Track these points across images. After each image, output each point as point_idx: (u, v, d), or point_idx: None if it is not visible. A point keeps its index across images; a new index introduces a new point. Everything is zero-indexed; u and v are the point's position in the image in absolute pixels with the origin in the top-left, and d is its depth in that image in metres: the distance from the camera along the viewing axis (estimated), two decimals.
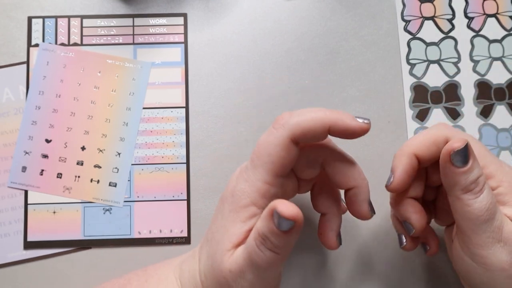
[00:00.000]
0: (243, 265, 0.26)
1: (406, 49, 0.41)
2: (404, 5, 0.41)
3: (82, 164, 0.38)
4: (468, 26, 0.41)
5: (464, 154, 0.27)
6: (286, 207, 0.24)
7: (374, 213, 0.30)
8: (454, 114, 0.40)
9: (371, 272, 0.37)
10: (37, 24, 0.40)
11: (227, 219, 0.28)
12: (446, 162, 0.28)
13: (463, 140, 0.27)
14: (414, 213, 0.30)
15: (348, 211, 0.31)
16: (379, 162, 0.39)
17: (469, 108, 0.40)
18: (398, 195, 0.31)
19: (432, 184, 0.32)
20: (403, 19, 0.41)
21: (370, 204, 0.30)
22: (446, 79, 0.40)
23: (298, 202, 0.38)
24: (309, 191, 0.33)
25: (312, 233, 0.38)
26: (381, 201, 0.37)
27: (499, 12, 0.41)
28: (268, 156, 0.27)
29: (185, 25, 0.41)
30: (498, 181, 0.29)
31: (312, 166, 0.30)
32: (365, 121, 0.28)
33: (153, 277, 0.32)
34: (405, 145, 0.30)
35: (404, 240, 0.32)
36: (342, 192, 0.32)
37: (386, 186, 0.30)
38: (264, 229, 0.25)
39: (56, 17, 0.40)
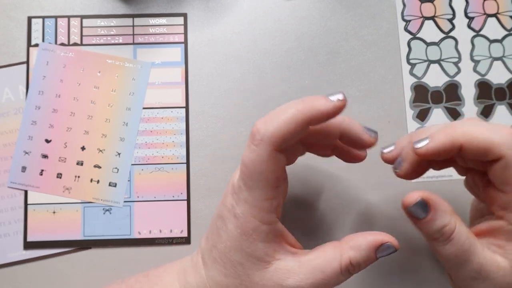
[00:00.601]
0: (309, 283, 0.27)
1: (406, 49, 0.41)
2: (404, 5, 0.41)
3: (82, 164, 0.38)
4: (469, 26, 0.41)
5: (421, 207, 0.27)
6: (394, 239, 0.28)
7: (375, 132, 0.31)
8: (454, 114, 0.40)
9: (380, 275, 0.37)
10: (37, 24, 0.40)
11: (241, 241, 0.28)
12: (406, 213, 0.28)
13: (417, 195, 0.27)
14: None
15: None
16: (379, 162, 0.39)
17: (470, 108, 0.40)
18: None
19: (461, 164, 0.30)
20: (403, 19, 0.41)
21: (368, 129, 0.31)
22: (447, 79, 0.40)
23: (299, 199, 0.38)
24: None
25: (314, 237, 0.38)
26: (384, 200, 0.37)
27: (499, 12, 0.41)
28: (260, 175, 0.26)
29: (185, 25, 0.41)
30: None
31: (296, 151, 0.31)
32: (339, 98, 0.27)
33: (158, 284, 0.31)
34: (460, 128, 0.27)
35: (399, 168, 0.30)
36: None
37: (415, 149, 0.28)
38: (362, 258, 0.28)
39: (56, 17, 0.40)
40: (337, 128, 0.30)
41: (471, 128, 0.27)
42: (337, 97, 0.27)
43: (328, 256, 0.28)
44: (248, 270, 0.28)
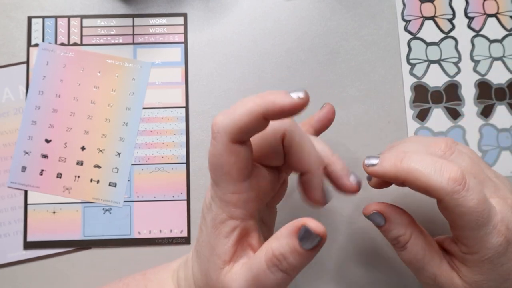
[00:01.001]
0: (245, 285, 0.26)
1: (407, 49, 0.41)
2: (404, 5, 0.41)
3: (82, 164, 0.38)
4: (469, 26, 0.41)
5: (378, 217, 0.30)
6: (316, 223, 0.24)
7: (360, 181, 0.28)
8: (454, 114, 0.40)
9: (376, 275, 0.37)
10: (37, 24, 0.40)
11: (210, 235, 0.27)
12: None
13: (373, 208, 0.29)
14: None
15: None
16: None
17: (470, 108, 0.40)
18: None
19: None
20: (403, 19, 0.41)
21: (353, 175, 0.28)
22: (447, 79, 0.40)
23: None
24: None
25: None
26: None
27: (499, 12, 0.41)
28: (221, 169, 0.26)
29: (185, 25, 0.41)
30: (471, 251, 0.28)
31: (275, 153, 0.28)
32: (300, 96, 0.25)
33: (153, 281, 0.31)
34: (406, 163, 0.27)
35: (371, 179, 0.33)
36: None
37: (364, 165, 0.29)
38: (284, 248, 0.25)
39: (56, 17, 0.40)
40: (317, 160, 0.28)
41: (415, 166, 0.27)
42: (297, 95, 0.25)
43: (258, 251, 0.26)
44: (210, 268, 0.27)
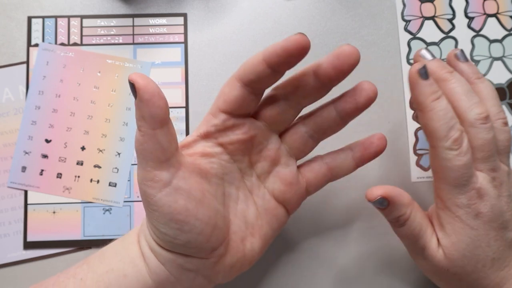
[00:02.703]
0: None
1: (406, 49, 0.41)
2: (404, 5, 0.41)
3: (82, 164, 0.38)
4: (469, 26, 0.41)
5: (381, 201, 0.30)
6: (136, 74, 0.26)
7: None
8: None
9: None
10: (37, 24, 0.40)
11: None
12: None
13: (377, 194, 0.30)
14: None
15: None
16: (379, 162, 0.39)
17: None
18: None
19: None
20: (403, 19, 0.41)
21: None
22: None
23: None
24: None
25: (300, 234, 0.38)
26: None
27: (499, 12, 0.41)
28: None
29: (185, 25, 0.41)
30: (444, 206, 0.30)
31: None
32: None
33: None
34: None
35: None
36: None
37: (419, 54, 0.32)
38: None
39: (56, 17, 0.40)
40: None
41: (436, 112, 0.29)
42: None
43: None
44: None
